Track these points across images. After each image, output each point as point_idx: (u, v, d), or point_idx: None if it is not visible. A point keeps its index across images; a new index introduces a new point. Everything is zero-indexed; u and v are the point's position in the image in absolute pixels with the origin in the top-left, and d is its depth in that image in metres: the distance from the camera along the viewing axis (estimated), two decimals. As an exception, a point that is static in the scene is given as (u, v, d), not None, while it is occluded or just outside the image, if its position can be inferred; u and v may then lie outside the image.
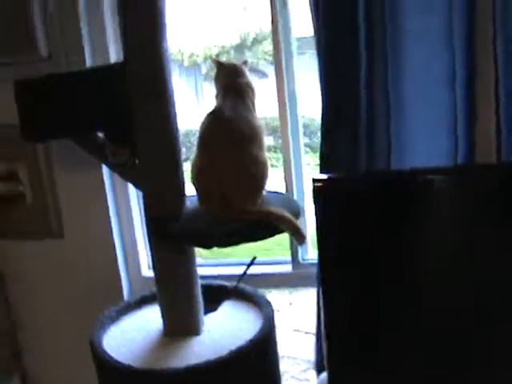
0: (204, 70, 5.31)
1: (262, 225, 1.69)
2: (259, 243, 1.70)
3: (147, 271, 2.41)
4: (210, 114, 1.75)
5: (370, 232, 1.61)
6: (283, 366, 2.73)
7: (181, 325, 1.87)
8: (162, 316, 1.88)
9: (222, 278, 2.12)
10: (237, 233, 1.67)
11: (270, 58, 2.12)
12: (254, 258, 2.00)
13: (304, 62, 2.29)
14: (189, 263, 1.84)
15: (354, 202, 1.60)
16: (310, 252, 2.26)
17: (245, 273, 1.99)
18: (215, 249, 1.73)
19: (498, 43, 1.75)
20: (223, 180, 1.69)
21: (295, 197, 2.21)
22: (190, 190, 1.81)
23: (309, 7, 1.88)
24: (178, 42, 5.16)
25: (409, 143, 1.89)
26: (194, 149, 1.77)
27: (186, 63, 5.41)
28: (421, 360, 1.66)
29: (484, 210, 1.56)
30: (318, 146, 1.93)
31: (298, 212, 1.77)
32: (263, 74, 4.49)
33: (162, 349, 1.82)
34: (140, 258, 2.39)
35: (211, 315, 1.95)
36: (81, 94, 1.77)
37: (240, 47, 5.11)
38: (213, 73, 1.88)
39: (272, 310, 1.89)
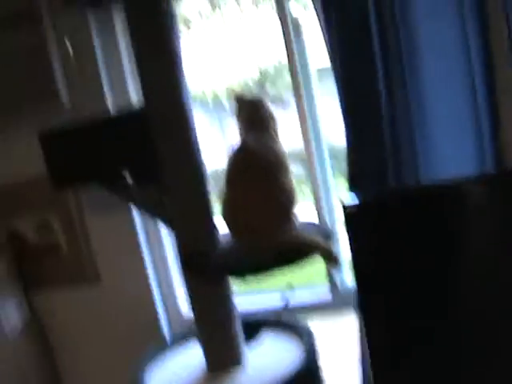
0: (228, 107, 5.35)
1: (294, 252, 1.69)
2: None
3: (186, 310, 2.40)
4: (235, 148, 1.76)
5: (406, 254, 1.59)
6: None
7: (223, 359, 1.87)
8: (204, 352, 1.88)
9: (262, 312, 2.11)
10: (269, 261, 1.66)
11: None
12: (291, 287, 1.99)
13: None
14: (225, 297, 1.84)
15: (387, 224, 1.59)
16: (348, 279, 2.24)
17: (286, 304, 1.98)
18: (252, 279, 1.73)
19: None
20: (253, 211, 1.69)
21: (328, 224, 2.19)
22: (221, 225, 1.82)
23: (323, 38, 1.91)
24: (200, 82, 5.20)
25: (435, 155, 1.88)
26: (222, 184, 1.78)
27: (209, 102, 5.43)
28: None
29: None
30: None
31: (329, 237, 1.76)
32: (287, 105, 4.51)
33: (206, 384, 1.82)
34: (178, 297, 2.39)
35: (254, 347, 1.93)
36: (105, 141, 1.81)
37: (261, 81, 5.12)
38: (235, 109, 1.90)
39: (314, 339, 1.87)
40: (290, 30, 2.13)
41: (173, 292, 2.38)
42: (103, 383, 2.44)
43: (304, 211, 1.87)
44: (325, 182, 2.21)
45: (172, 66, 1.72)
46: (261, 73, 5.12)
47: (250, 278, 1.71)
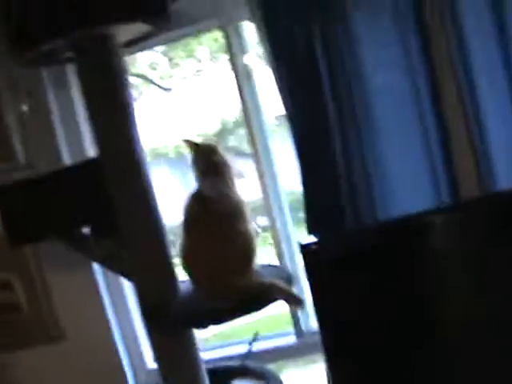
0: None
1: (256, 297, 1.68)
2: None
3: (151, 362, 2.36)
4: (191, 196, 1.77)
5: (368, 291, 1.59)
6: None
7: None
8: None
9: (228, 359, 2.09)
10: (230, 308, 1.65)
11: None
12: (257, 334, 1.97)
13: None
14: (190, 348, 1.82)
15: (346, 262, 1.60)
16: (312, 320, 2.23)
17: (250, 350, 1.97)
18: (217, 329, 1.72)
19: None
20: (211, 258, 1.68)
21: (289, 269, 2.20)
22: (181, 274, 1.81)
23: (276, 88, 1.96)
24: (162, 138, 5.24)
25: (391, 193, 1.92)
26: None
27: (172, 157, 5.47)
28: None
29: (490, 242, 1.54)
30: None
31: (289, 280, 1.76)
32: (247, 156, 4.56)
33: None
34: (143, 350, 2.36)
35: (220, 398, 1.91)
36: (60, 193, 1.80)
37: (222, 132, 5.19)
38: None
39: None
40: (244, 82, 2.18)
41: (137, 345, 2.36)
42: None
43: (266, 259, 1.87)
44: (285, 229, 2.23)
45: (124, 119, 1.74)
46: (222, 125, 5.19)
47: (209, 325, 1.69)
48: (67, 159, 2.21)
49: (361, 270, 1.58)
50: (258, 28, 1.97)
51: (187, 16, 2.06)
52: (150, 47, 2.34)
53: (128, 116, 1.75)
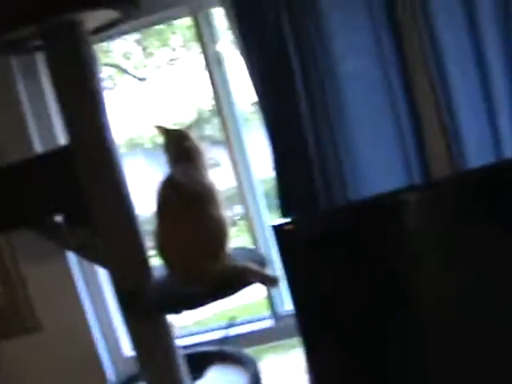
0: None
1: (230, 281, 1.69)
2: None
3: (129, 351, 2.36)
4: (163, 181, 1.77)
5: (341, 270, 1.60)
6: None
7: (169, 398, 1.84)
8: (150, 392, 1.85)
9: (205, 345, 2.10)
10: (205, 293, 1.66)
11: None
12: (233, 319, 1.98)
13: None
14: (165, 335, 1.82)
15: (320, 242, 1.59)
16: (289, 304, 2.24)
17: (227, 335, 1.98)
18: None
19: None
20: (183, 243, 1.69)
21: (263, 251, 2.21)
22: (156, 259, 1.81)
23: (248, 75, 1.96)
24: (138, 127, 5.23)
25: (362, 174, 1.93)
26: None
27: (148, 146, 5.46)
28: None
29: (461, 220, 1.55)
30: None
31: (263, 262, 1.77)
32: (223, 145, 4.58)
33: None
34: (120, 339, 2.36)
35: (198, 382, 1.92)
36: (31, 181, 1.79)
37: (198, 121, 5.18)
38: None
39: (257, 367, 1.87)
40: (215, 69, 2.18)
41: (114, 333, 2.35)
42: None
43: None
44: (259, 216, 2.24)
45: (93, 106, 1.73)
46: (197, 114, 5.19)
47: (183, 310, 1.70)
48: (38, 147, 2.19)
49: (334, 250, 1.59)
50: (228, 14, 1.97)
51: (157, 2, 2.06)
52: (120, 35, 2.33)
53: (98, 103, 1.74)
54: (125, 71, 4.97)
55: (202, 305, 1.67)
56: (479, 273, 1.54)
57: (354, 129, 1.92)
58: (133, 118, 4.74)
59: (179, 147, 1.81)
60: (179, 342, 1.86)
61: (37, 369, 2.33)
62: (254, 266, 1.70)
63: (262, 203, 2.26)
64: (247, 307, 3.59)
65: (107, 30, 1.87)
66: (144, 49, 4.91)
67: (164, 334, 1.82)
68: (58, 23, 1.66)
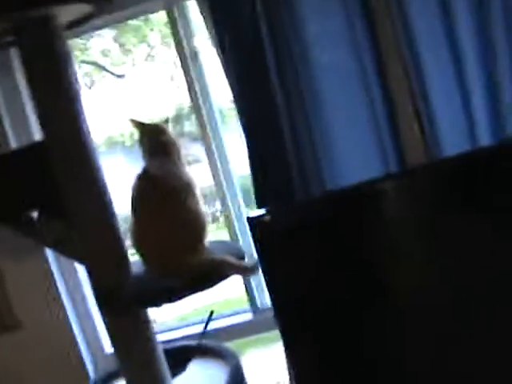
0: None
1: (207, 274, 1.68)
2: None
3: (110, 348, 2.35)
4: (139, 175, 1.76)
5: (319, 260, 1.58)
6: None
7: (149, 393, 1.84)
8: (129, 388, 1.85)
9: (185, 340, 2.09)
10: (182, 286, 1.65)
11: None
12: (212, 313, 1.98)
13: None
14: (145, 330, 1.81)
15: (297, 232, 1.57)
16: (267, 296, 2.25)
17: (205, 328, 1.98)
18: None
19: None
20: (162, 238, 1.68)
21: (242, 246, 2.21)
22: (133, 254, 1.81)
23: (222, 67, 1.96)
24: (117, 125, 5.20)
25: (338, 164, 1.93)
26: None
27: (128, 144, 5.43)
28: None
29: (438, 207, 1.54)
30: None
31: (241, 254, 1.77)
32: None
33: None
34: (100, 336, 2.35)
35: (179, 378, 1.91)
36: (7, 177, 1.77)
37: (177, 118, 5.16)
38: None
39: (238, 361, 1.87)
40: (191, 65, 2.17)
41: (94, 330, 2.34)
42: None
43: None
44: (237, 211, 2.24)
45: (68, 101, 1.72)
46: (176, 111, 5.17)
47: (162, 304, 1.69)
48: (13, 143, 2.18)
49: (311, 241, 1.57)
50: (201, 6, 1.97)
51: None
52: (95, 30, 2.32)
53: (73, 99, 1.73)
54: (103, 68, 4.94)
55: (179, 298, 1.66)
56: (457, 260, 1.54)
57: (328, 116, 1.92)
58: (112, 115, 4.72)
59: (155, 141, 1.81)
60: (159, 338, 1.85)
61: (16, 367, 2.31)
62: (231, 259, 1.70)
63: (241, 199, 2.26)
64: (228, 302, 3.59)
65: (81, 25, 1.85)
66: (121, 46, 4.88)
67: (143, 329, 1.81)
68: (31, 18, 1.65)
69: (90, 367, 2.33)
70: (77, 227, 1.75)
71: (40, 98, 1.73)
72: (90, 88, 4.87)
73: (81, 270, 2.29)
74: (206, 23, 2.00)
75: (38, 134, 2.17)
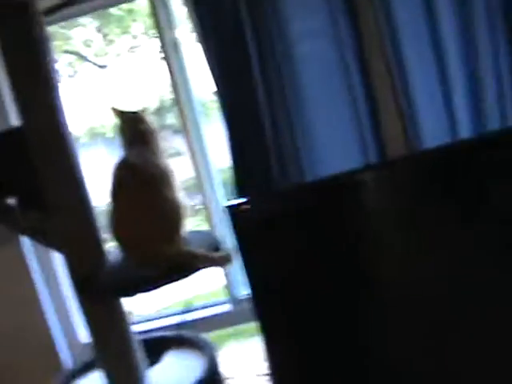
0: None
1: (181, 265, 1.67)
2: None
3: (86, 337, 2.34)
4: (117, 164, 1.75)
5: (299, 251, 1.57)
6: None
7: (124, 383, 1.82)
8: (105, 377, 1.83)
9: (163, 330, 2.09)
10: (158, 276, 1.64)
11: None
12: (190, 304, 1.98)
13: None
14: (121, 320, 1.81)
15: (275, 222, 1.56)
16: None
17: (184, 319, 1.97)
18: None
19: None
20: (139, 226, 1.67)
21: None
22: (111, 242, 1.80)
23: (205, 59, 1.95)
24: (99, 116, 5.18)
25: (320, 163, 1.93)
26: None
27: (110, 135, 5.40)
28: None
29: (418, 199, 1.54)
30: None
31: (218, 244, 1.76)
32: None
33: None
34: (77, 325, 2.34)
35: (155, 368, 1.91)
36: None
37: (160, 110, 5.14)
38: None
39: (214, 351, 1.87)
40: (172, 57, 2.16)
41: (71, 319, 2.33)
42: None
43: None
44: (217, 204, 2.24)
45: (46, 88, 1.70)
46: (159, 103, 5.15)
47: (137, 293, 1.68)
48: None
49: (290, 230, 1.57)
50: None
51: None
52: (75, 16, 2.29)
53: (51, 86, 1.71)
54: (85, 59, 4.90)
55: (155, 288, 1.65)
56: (437, 250, 1.54)
57: (310, 111, 1.92)
58: (94, 106, 4.68)
59: (134, 130, 1.79)
60: (136, 328, 1.85)
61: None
62: (203, 252, 1.68)
63: (221, 191, 2.25)
64: (208, 295, 3.58)
65: (60, 11, 1.84)
66: (104, 36, 4.85)
67: (120, 319, 1.80)
68: (9, 3, 1.63)
69: (65, 357, 2.31)
70: (54, 215, 1.74)
71: (17, 84, 1.71)
72: (71, 78, 4.84)
73: (57, 259, 2.27)
74: (188, 13, 1.98)
75: (15, 119, 2.15)
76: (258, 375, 2.23)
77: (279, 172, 1.92)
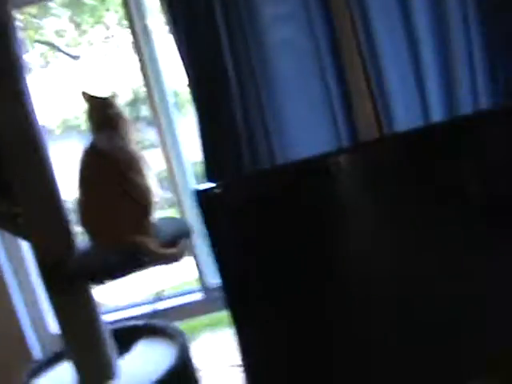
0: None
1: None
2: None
3: (56, 328, 2.30)
4: (85, 149, 1.72)
5: (267, 235, 1.54)
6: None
7: (94, 373, 1.80)
8: (74, 368, 1.80)
9: (133, 320, 2.07)
10: (126, 263, 1.62)
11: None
12: (161, 293, 1.96)
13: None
14: (91, 309, 1.78)
15: (247, 207, 1.53)
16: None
17: (154, 308, 1.95)
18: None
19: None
20: (107, 213, 1.65)
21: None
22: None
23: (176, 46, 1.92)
24: (73, 109, 5.13)
25: (292, 148, 1.91)
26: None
27: (84, 128, 5.34)
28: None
29: (390, 181, 1.53)
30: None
31: (188, 231, 1.75)
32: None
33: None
34: (46, 315, 2.31)
35: (126, 357, 1.88)
36: None
37: (134, 102, 5.11)
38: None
39: (185, 340, 1.85)
40: (144, 47, 2.13)
41: (39, 309, 2.30)
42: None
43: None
44: (190, 199, 2.20)
45: (13, 79, 1.66)
46: (133, 95, 5.11)
47: (105, 280, 1.66)
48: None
49: (261, 215, 1.53)
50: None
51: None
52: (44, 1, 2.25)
53: (18, 74, 1.67)
54: (58, 49, 4.85)
55: (123, 275, 1.64)
56: (407, 232, 1.54)
57: (282, 96, 1.91)
58: (67, 98, 4.63)
59: (103, 114, 1.77)
60: (107, 318, 1.83)
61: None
62: (156, 248, 1.65)
63: (193, 183, 2.23)
64: (185, 285, 3.56)
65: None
66: (77, 26, 4.80)
67: (89, 309, 1.78)
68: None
69: (35, 347, 2.28)
70: (21, 204, 1.71)
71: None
72: (43, 68, 4.78)
73: (25, 248, 2.24)
74: (160, 3, 1.96)
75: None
76: (232, 366, 2.22)
77: (250, 158, 1.90)
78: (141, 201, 1.68)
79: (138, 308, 2.28)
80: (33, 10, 4.02)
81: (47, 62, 4.80)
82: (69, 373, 1.83)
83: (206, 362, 2.00)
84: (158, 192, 1.74)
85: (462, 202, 1.51)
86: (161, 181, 2.36)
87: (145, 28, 2.14)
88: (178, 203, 2.22)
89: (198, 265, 2.20)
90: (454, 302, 1.54)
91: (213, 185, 1.55)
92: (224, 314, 1.60)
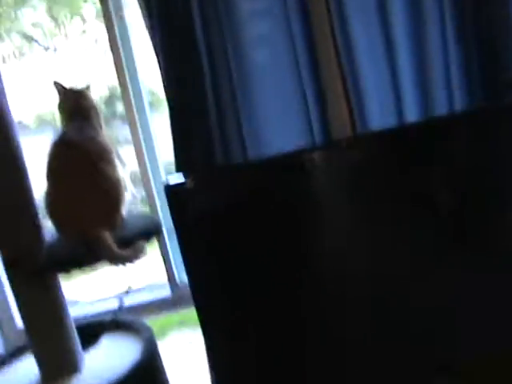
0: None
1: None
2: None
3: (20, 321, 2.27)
4: (54, 141, 1.70)
5: (237, 232, 1.51)
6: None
7: (58, 368, 1.78)
8: (38, 362, 1.78)
9: (100, 315, 2.04)
10: (93, 253, 1.60)
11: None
12: (129, 288, 1.94)
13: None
14: (56, 304, 1.76)
15: (218, 203, 1.51)
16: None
17: (121, 304, 1.93)
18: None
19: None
20: (76, 205, 1.63)
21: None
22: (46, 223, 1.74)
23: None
24: (48, 103, 5.06)
25: (265, 145, 1.90)
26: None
27: (59, 122, 5.25)
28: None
29: (365, 179, 1.53)
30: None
31: (158, 229, 1.73)
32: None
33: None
34: (12, 310, 2.26)
35: (91, 351, 1.87)
36: None
37: (110, 98, 5.05)
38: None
39: (152, 335, 1.84)
40: (119, 42, 2.10)
41: (5, 304, 2.25)
42: None
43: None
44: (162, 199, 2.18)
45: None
46: (109, 91, 5.06)
47: (74, 271, 1.64)
48: None
49: (231, 211, 1.51)
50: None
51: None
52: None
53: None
54: (33, 41, 4.78)
55: (90, 265, 1.61)
56: (381, 229, 1.53)
57: (256, 92, 1.89)
58: (42, 92, 4.57)
59: (75, 105, 1.75)
60: (73, 313, 1.81)
61: None
62: (115, 249, 1.63)
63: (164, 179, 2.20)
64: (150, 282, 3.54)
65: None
66: (54, 18, 4.73)
67: (54, 302, 1.76)
68: None
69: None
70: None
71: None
72: (18, 60, 4.72)
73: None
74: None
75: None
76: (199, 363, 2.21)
77: (223, 154, 1.88)
78: (111, 193, 1.66)
79: (106, 303, 2.25)
80: (9, 0, 3.96)
81: (22, 54, 4.74)
82: (31, 367, 1.81)
83: (173, 358, 1.98)
84: (129, 187, 1.72)
85: (436, 202, 1.52)
86: (134, 178, 2.34)
87: (121, 23, 2.11)
88: (149, 200, 2.19)
89: (165, 260, 2.18)
90: (427, 300, 1.55)
91: (183, 179, 1.53)
92: (193, 312, 1.59)
